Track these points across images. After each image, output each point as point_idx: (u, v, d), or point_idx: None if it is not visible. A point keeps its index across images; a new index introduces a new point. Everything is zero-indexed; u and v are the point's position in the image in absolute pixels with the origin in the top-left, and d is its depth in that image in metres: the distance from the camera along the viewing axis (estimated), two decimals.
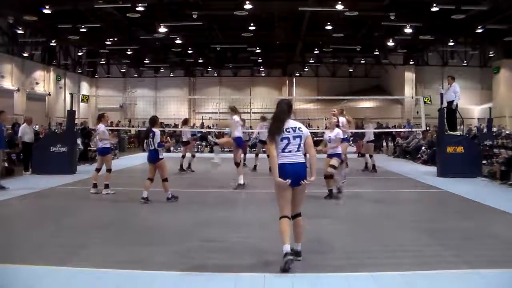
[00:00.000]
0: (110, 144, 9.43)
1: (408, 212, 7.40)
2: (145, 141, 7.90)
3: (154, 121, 8.10)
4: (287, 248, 4.11)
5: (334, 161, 8.03)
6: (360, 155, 18.41)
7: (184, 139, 13.40)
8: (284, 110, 4.44)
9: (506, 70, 28.31)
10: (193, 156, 13.21)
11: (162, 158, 7.84)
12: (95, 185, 8.68)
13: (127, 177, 11.20)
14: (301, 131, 4.40)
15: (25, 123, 12.56)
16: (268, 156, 4.83)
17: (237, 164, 9.46)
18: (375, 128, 22.20)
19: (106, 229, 5.82)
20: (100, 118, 9.01)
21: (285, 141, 4.33)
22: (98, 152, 9.13)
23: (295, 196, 4.34)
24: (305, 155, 4.54)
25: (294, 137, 4.35)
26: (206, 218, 6.44)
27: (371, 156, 13.03)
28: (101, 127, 8.84)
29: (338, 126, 8.42)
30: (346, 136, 13.66)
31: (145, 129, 14.21)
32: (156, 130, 7.89)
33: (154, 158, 7.73)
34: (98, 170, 8.89)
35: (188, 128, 14.03)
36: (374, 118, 26.96)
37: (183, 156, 12.96)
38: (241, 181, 9.26)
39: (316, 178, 4.41)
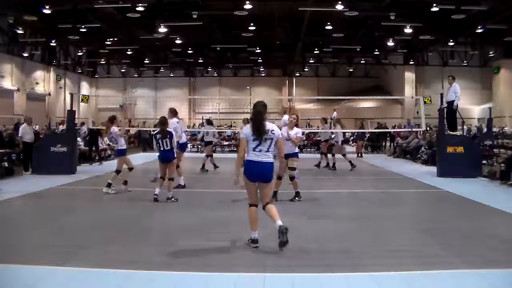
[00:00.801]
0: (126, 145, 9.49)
1: (408, 212, 7.40)
2: (160, 142, 7.84)
3: (165, 122, 8.20)
4: (255, 234, 4.80)
5: (294, 162, 7.76)
6: (359, 155, 18.47)
7: (208, 139, 13.42)
8: (262, 111, 4.84)
9: (506, 70, 28.32)
10: (207, 156, 13.20)
11: (175, 158, 8.13)
12: (125, 182, 8.83)
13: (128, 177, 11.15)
14: (273, 133, 4.84)
15: (25, 123, 12.56)
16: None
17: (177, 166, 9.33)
18: (375, 128, 22.37)
19: (106, 229, 5.81)
20: (112, 121, 9.05)
21: (257, 142, 4.75)
22: (116, 153, 9.27)
23: (261, 190, 4.85)
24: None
25: (266, 139, 4.77)
26: (206, 218, 6.45)
27: (342, 155, 13.51)
28: (115, 129, 8.89)
29: (297, 125, 8.12)
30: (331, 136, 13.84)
31: (146, 129, 14.26)
32: (173, 131, 8.14)
33: (170, 157, 7.90)
34: (130, 169, 9.03)
35: (214, 128, 13.97)
36: (374, 118, 27.12)
37: (208, 156, 13.02)
38: (182, 182, 9.30)
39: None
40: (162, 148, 7.85)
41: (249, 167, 4.79)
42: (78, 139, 14.07)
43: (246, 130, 4.84)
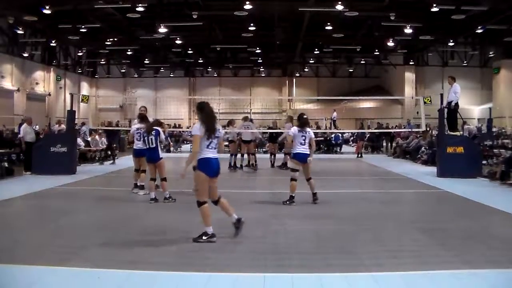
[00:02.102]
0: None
1: (408, 212, 7.39)
2: (146, 139, 7.76)
3: (159, 123, 8.22)
4: (211, 229, 5.08)
5: (295, 165, 7.62)
6: (359, 155, 18.47)
7: (230, 138, 13.65)
8: (212, 112, 5.28)
9: (506, 70, 28.31)
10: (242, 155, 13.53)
11: (162, 158, 7.92)
12: (136, 185, 8.65)
13: (128, 177, 11.16)
14: (221, 132, 5.36)
15: (25, 123, 12.56)
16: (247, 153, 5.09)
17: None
18: (375, 128, 22.39)
19: (106, 229, 5.81)
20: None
21: (210, 139, 5.13)
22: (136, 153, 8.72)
23: (213, 185, 5.22)
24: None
25: (216, 137, 5.19)
26: None
27: (251, 153, 13.58)
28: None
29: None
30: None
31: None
32: (159, 129, 7.96)
33: (155, 157, 7.79)
34: (137, 170, 8.76)
35: (236, 128, 13.84)
36: (374, 119, 27.12)
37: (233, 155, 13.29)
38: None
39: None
40: (147, 146, 7.79)
41: (209, 164, 5.14)
42: (78, 139, 14.09)
43: (198, 129, 5.11)
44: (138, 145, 8.51)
